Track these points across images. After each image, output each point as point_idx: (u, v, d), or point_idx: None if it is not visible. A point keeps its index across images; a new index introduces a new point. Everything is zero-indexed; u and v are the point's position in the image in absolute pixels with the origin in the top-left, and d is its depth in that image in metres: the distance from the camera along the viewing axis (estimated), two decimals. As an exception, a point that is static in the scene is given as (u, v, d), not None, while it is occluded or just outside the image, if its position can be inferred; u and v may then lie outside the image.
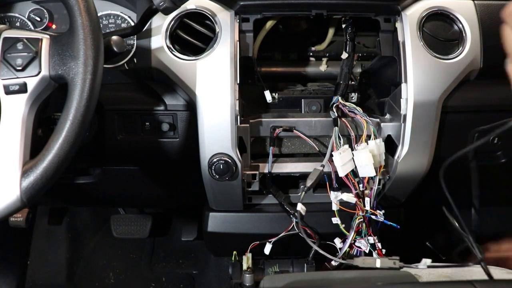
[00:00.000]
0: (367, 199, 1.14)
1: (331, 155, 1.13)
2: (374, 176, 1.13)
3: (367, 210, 1.14)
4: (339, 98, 1.16)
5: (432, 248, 1.81)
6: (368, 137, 1.14)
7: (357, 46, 1.27)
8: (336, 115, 1.14)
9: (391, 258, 1.04)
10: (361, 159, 1.11)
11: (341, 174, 1.12)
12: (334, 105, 1.16)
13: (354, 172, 1.14)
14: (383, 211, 1.15)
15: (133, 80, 1.17)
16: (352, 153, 1.12)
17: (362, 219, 1.15)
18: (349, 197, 1.13)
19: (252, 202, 1.29)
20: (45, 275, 1.84)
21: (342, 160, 1.10)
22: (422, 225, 1.84)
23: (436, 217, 1.90)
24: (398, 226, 1.15)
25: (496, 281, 0.86)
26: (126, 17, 1.18)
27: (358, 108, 1.14)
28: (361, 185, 1.15)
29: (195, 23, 1.13)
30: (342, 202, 1.17)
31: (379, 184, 1.17)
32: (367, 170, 1.11)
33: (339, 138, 1.13)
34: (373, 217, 1.15)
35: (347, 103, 1.16)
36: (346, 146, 1.13)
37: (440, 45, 1.14)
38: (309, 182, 1.13)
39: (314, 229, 1.26)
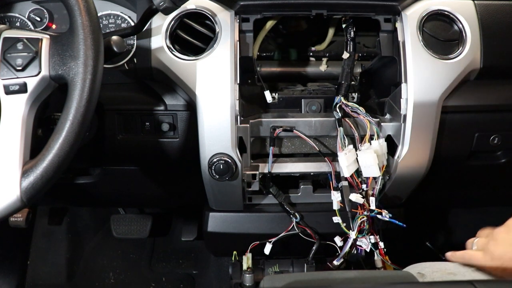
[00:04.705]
0: (371, 198, 1.15)
1: (336, 155, 1.14)
2: (377, 176, 1.14)
3: (372, 210, 1.14)
4: (342, 98, 1.16)
5: (432, 248, 1.81)
6: (371, 137, 1.14)
7: (357, 46, 1.27)
8: (340, 115, 1.15)
9: None
10: (366, 159, 1.11)
11: (346, 174, 1.13)
12: (337, 105, 1.16)
13: (357, 172, 1.14)
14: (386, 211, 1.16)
15: (133, 80, 1.17)
16: (356, 154, 1.12)
17: (365, 218, 1.15)
18: (357, 197, 1.13)
19: (252, 202, 1.29)
20: (45, 275, 1.84)
21: (347, 161, 1.11)
22: (422, 225, 1.84)
23: (436, 217, 1.91)
24: (404, 225, 1.16)
25: (496, 281, 0.86)
26: (126, 17, 1.18)
27: (360, 108, 1.14)
28: (364, 185, 1.15)
29: (195, 23, 1.13)
30: (342, 201, 1.17)
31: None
32: (371, 170, 1.11)
33: (344, 139, 1.13)
34: (379, 216, 1.15)
35: (349, 103, 1.16)
36: (351, 146, 1.14)
37: (440, 45, 1.14)
38: None
39: (314, 229, 1.26)
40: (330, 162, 1.18)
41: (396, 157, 1.16)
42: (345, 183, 1.16)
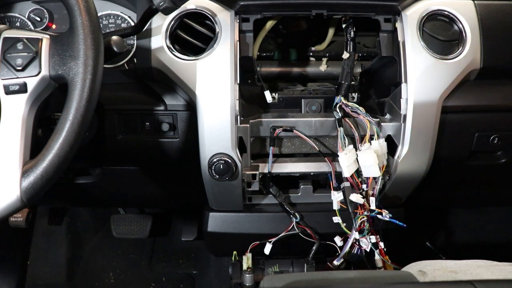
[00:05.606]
0: (372, 199, 1.15)
1: (336, 155, 1.14)
2: (377, 176, 1.14)
3: (372, 210, 1.14)
4: (342, 98, 1.16)
5: (432, 248, 1.81)
6: (371, 137, 1.14)
7: (357, 46, 1.27)
8: (340, 115, 1.15)
9: None
10: (366, 159, 1.11)
11: (347, 174, 1.13)
12: (338, 105, 1.16)
13: (357, 172, 1.14)
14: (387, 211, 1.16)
15: (133, 80, 1.17)
16: (356, 154, 1.13)
17: (365, 218, 1.15)
18: (358, 197, 1.13)
19: (252, 202, 1.29)
20: (45, 275, 1.84)
21: (348, 161, 1.11)
22: (422, 225, 1.84)
23: (436, 217, 1.91)
24: (405, 225, 1.16)
25: (496, 281, 0.86)
26: (126, 17, 1.18)
27: (360, 108, 1.14)
28: (364, 185, 1.15)
29: (195, 23, 1.13)
30: (343, 202, 1.17)
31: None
32: (371, 170, 1.11)
33: (344, 139, 1.13)
34: (379, 216, 1.15)
35: (349, 103, 1.16)
36: (351, 146, 1.14)
37: (440, 45, 1.14)
38: None
39: (314, 229, 1.26)
40: (330, 162, 1.18)
41: (396, 157, 1.16)
42: (347, 183, 1.16)
